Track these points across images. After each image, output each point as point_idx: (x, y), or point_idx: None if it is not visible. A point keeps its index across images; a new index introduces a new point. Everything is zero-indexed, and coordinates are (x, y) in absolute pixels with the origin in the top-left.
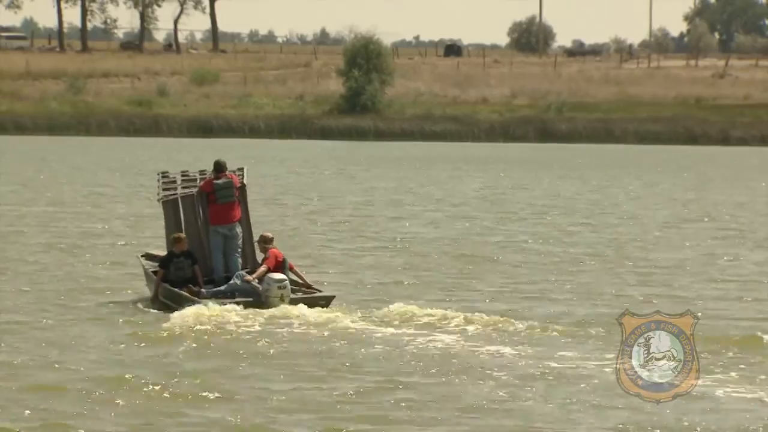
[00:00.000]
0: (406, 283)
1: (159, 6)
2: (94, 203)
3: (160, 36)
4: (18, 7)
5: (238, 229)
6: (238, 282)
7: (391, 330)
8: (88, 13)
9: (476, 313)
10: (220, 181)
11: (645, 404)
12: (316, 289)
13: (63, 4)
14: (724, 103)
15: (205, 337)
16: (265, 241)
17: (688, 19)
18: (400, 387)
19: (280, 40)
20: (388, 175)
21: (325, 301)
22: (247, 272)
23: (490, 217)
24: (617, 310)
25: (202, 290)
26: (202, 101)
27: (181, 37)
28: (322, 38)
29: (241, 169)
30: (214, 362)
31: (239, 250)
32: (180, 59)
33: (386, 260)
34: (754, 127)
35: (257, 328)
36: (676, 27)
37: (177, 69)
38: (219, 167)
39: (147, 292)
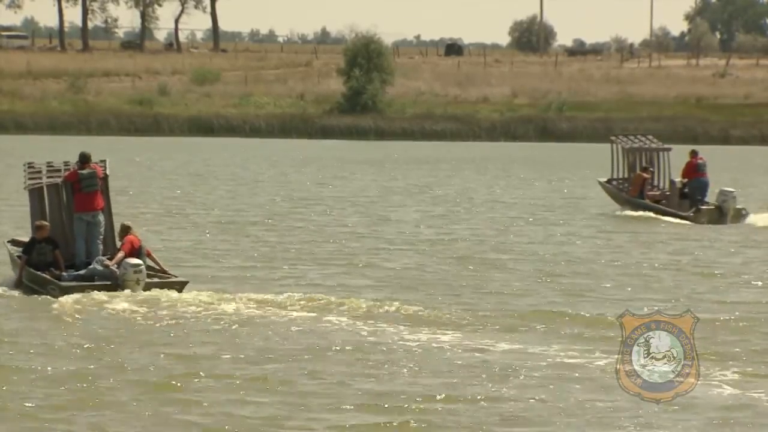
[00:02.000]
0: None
1: (160, 5)
2: None
3: (160, 35)
4: (19, 6)
5: (101, 217)
6: (98, 267)
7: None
8: (89, 12)
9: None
10: (84, 172)
11: (645, 404)
12: (171, 275)
13: (64, 4)
14: (725, 102)
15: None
16: (124, 229)
17: (689, 18)
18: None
19: (280, 39)
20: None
21: (179, 286)
22: (107, 258)
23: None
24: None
25: (64, 273)
26: (203, 100)
27: (181, 37)
28: (323, 37)
29: (103, 161)
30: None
31: (101, 237)
32: (181, 58)
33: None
34: (755, 126)
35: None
36: (677, 26)
37: (178, 68)
38: (84, 158)
39: (13, 276)
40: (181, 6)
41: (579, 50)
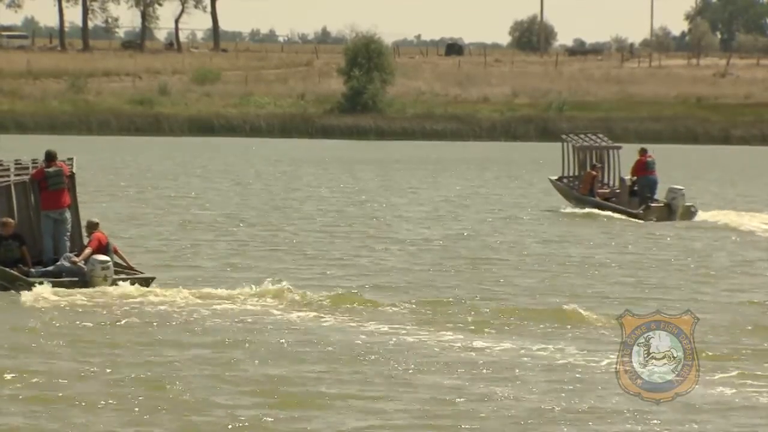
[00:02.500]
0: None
1: (160, 5)
2: None
3: (161, 35)
4: (19, 6)
5: (68, 215)
6: (66, 263)
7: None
8: (89, 12)
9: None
10: (51, 170)
11: (645, 404)
12: (138, 271)
13: (64, 3)
14: (726, 102)
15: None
16: (91, 226)
17: (690, 18)
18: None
19: (281, 39)
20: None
21: (146, 282)
22: (74, 255)
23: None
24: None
25: (32, 270)
26: (203, 100)
27: (182, 36)
28: (324, 37)
29: (70, 159)
30: None
31: (68, 233)
32: (181, 58)
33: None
34: (755, 126)
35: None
36: (678, 26)
37: (178, 68)
38: (50, 157)
39: None
40: (181, 6)
41: (579, 50)
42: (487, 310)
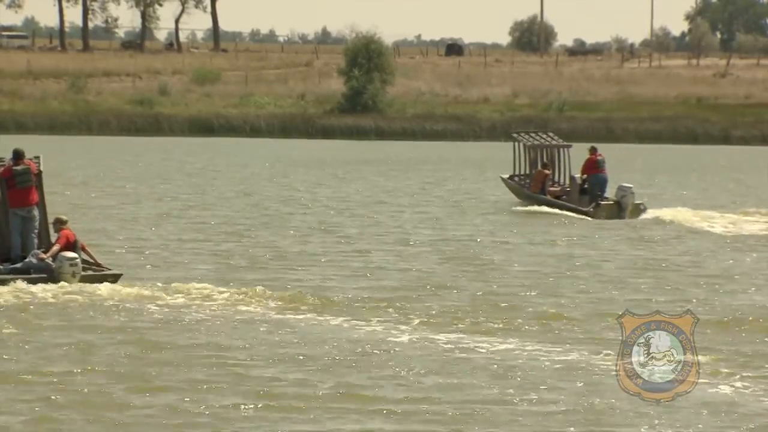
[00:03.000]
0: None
1: (160, 5)
2: None
3: (161, 35)
4: (19, 6)
5: (36, 212)
6: (34, 260)
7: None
8: (90, 12)
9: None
10: (18, 168)
11: (645, 404)
12: (106, 267)
13: (64, 4)
14: (726, 102)
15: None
16: (59, 223)
17: (690, 18)
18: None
19: (281, 39)
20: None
21: (113, 278)
22: (42, 251)
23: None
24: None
25: (0, 266)
26: (204, 100)
27: (182, 36)
28: (324, 37)
29: (37, 157)
30: None
31: (36, 231)
32: (181, 58)
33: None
34: (756, 126)
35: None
36: (678, 26)
37: (178, 68)
38: (17, 155)
39: None
40: (181, 6)
41: (579, 50)
42: (471, 309)
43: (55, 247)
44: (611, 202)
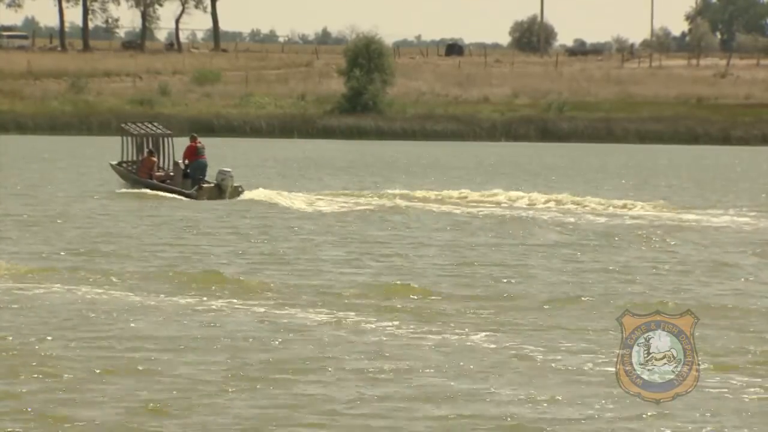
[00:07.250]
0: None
1: (160, 5)
2: None
3: (161, 35)
4: (19, 6)
5: None
6: None
7: None
8: (90, 12)
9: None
10: None
11: (645, 404)
12: None
13: (64, 4)
14: (726, 102)
15: None
16: None
17: (690, 18)
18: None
19: (281, 39)
20: None
21: None
22: None
23: None
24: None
25: None
26: (204, 101)
27: (182, 37)
28: (324, 38)
29: None
30: None
31: None
32: (181, 58)
33: None
34: (756, 126)
35: None
36: (678, 26)
37: (178, 68)
38: None
39: None
40: (181, 6)
41: (579, 50)
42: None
43: None
44: (212, 185)
